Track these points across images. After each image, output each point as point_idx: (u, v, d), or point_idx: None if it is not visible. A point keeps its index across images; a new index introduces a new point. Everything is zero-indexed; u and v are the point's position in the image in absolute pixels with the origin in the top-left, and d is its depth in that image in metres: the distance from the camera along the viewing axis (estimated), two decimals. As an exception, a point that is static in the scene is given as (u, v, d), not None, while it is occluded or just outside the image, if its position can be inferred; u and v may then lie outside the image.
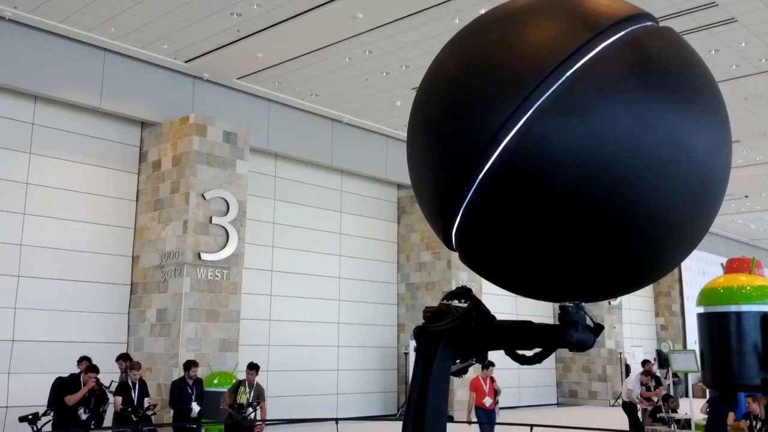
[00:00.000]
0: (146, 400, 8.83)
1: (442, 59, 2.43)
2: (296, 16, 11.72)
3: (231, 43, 12.81)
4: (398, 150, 17.77)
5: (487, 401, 10.82)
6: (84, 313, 12.94)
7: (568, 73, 2.03)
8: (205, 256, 12.95)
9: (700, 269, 28.77)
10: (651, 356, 20.91)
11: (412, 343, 15.78)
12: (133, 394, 8.73)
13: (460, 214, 2.25)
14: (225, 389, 11.04)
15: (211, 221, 13.15)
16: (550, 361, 23.34)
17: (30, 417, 8.65)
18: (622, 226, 2.07)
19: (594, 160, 1.98)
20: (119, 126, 13.87)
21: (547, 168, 2.00)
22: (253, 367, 9.60)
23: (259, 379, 10.63)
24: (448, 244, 2.43)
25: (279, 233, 16.08)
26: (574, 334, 2.35)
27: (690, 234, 2.23)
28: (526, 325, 2.53)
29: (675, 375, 15.60)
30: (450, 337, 2.54)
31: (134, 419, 8.55)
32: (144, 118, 13.84)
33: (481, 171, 2.09)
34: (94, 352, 11.06)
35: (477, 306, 2.57)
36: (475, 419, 10.97)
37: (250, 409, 9.30)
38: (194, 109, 14.00)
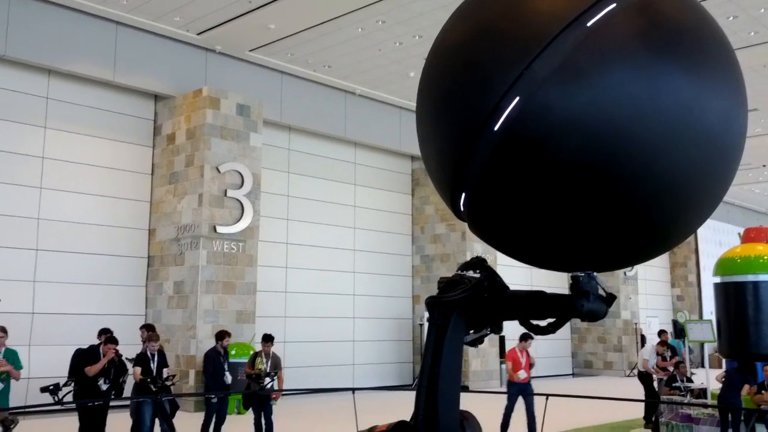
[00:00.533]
0: (165, 370, 8.91)
1: (449, 28, 2.40)
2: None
3: (243, 14, 12.73)
4: (412, 122, 17.58)
5: (522, 374, 10.63)
6: (102, 285, 13.07)
7: (572, 39, 1.98)
8: (220, 229, 13.01)
9: (716, 239, 28.58)
10: (667, 326, 20.89)
11: (427, 315, 15.83)
12: (152, 364, 8.82)
13: (466, 184, 2.23)
14: (242, 360, 11.13)
15: (225, 194, 13.19)
16: (565, 331, 23.38)
17: (51, 387, 8.76)
18: (631, 192, 2.03)
19: (598, 126, 1.94)
20: (133, 99, 13.87)
21: (551, 135, 1.97)
22: (267, 339, 9.68)
23: (276, 350, 10.72)
24: (457, 214, 2.42)
25: (293, 206, 16.11)
26: (585, 304, 2.31)
27: (703, 200, 2.18)
28: (539, 295, 2.51)
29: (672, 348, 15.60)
30: (463, 307, 2.54)
31: (153, 389, 8.64)
32: (157, 91, 13.83)
33: (486, 140, 2.07)
34: (113, 324, 11.16)
35: (490, 276, 2.55)
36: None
37: (268, 379, 9.38)
38: (207, 81, 13.97)
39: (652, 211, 2.07)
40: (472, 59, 2.15)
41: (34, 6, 12.07)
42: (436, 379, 2.48)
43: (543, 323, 2.54)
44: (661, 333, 13.72)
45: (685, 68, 1.99)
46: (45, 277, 12.43)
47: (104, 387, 8.60)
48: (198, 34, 13.55)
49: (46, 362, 11.22)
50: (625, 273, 23.06)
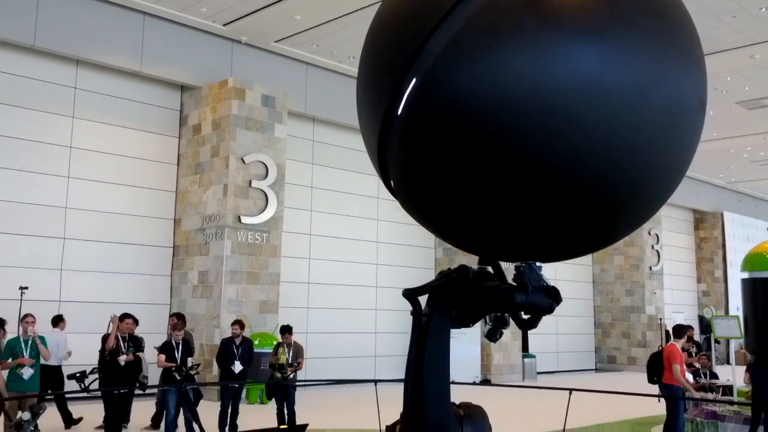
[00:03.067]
0: (189, 359, 8.99)
1: (379, 11, 2.32)
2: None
3: (269, 5, 12.74)
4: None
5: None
6: (128, 274, 13.20)
7: (464, 14, 1.83)
8: (245, 220, 13.07)
9: (744, 234, 28.21)
10: (693, 322, 20.68)
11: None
12: (176, 353, 8.90)
13: (388, 170, 2.16)
14: (265, 350, 11.19)
15: (250, 185, 13.24)
16: (588, 326, 23.24)
17: (78, 375, 8.90)
18: (540, 172, 1.83)
19: (490, 103, 1.78)
20: (159, 90, 13.96)
21: (445, 115, 1.85)
22: (286, 330, 9.72)
23: (298, 340, 10.76)
24: (393, 195, 2.34)
25: (317, 197, 16.14)
26: (518, 296, 2.18)
27: (629, 182, 1.91)
28: (484, 287, 2.39)
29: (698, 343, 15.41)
30: (440, 298, 2.46)
31: (178, 378, 8.72)
32: (184, 81, 13.90)
33: (394, 125, 1.98)
34: (138, 312, 11.26)
35: (460, 268, 2.45)
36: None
37: (290, 369, 9.43)
38: (233, 72, 14.01)
39: (571, 193, 1.87)
40: (380, 42, 2.10)
41: (63, -3, 12.17)
42: (420, 371, 2.42)
43: (525, 316, 2.42)
44: (687, 329, 13.58)
45: (586, 37, 1.77)
46: (72, 265, 12.58)
47: (122, 362, 8.68)
48: (224, 25, 13.59)
49: (73, 350, 11.35)
50: (650, 268, 22.85)
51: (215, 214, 13.13)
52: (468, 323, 2.47)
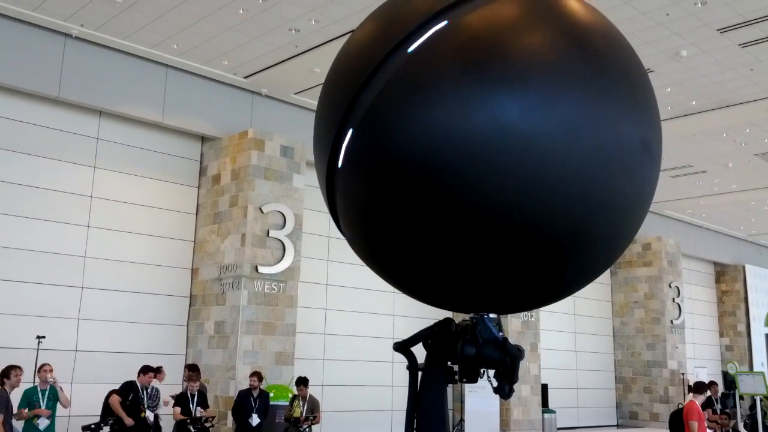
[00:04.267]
0: (198, 409, 8.89)
1: (331, 66, 2.36)
2: (352, 31, 11.76)
3: (289, 58, 12.95)
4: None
5: None
6: (145, 324, 13.17)
7: (393, 66, 1.85)
8: (262, 269, 13.06)
9: (766, 288, 27.78)
10: (716, 378, 20.23)
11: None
12: (191, 405, 8.81)
13: (338, 213, 2.18)
14: (281, 403, 11.05)
15: (268, 234, 13.27)
16: (609, 381, 22.81)
17: (92, 426, 8.82)
18: (462, 220, 1.81)
19: (414, 153, 1.78)
20: (180, 140, 14.13)
21: (376, 164, 1.87)
22: (301, 382, 9.62)
23: (314, 392, 10.64)
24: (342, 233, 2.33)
25: (334, 247, 16.11)
26: (467, 349, 2.13)
27: (561, 226, 1.85)
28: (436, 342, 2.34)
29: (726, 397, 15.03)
30: (435, 352, 2.43)
31: (192, 430, 8.62)
32: (204, 132, 14.08)
33: (337, 175, 2.00)
34: (155, 363, 11.22)
35: (443, 321, 2.40)
36: None
37: (306, 423, 9.30)
38: (252, 123, 14.18)
39: (501, 240, 1.83)
40: (324, 96, 2.13)
41: (88, 49, 12.45)
42: (412, 424, 2.37)
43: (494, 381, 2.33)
44: (711, 385, 13.29)
45: (507, 86, 1.75)
46: (89, 314, 12.58)
47: (150, 419, 8.61)
48: (245, 77, 13.80)
49: (88, 400, 11.27)
50: (671, 321, 22.50)
51: (233, 264, 13.13)
52: (468, 378, 2.37)
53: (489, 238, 1.84)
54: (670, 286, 22.74)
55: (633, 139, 1.88)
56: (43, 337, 10.78)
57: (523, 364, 17.60)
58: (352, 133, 1.91)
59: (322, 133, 2.10)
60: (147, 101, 13.21)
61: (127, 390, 9.17)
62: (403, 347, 2.43)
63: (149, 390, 8.91)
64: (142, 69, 13.08)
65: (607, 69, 1.89)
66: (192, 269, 14.05)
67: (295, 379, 11.77)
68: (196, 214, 14.27)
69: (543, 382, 18.30)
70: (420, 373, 2.41)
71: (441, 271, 1.99)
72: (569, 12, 1.94)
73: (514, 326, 17.64)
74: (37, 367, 9.54)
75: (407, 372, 2.45)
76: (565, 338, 21.30)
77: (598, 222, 1.90)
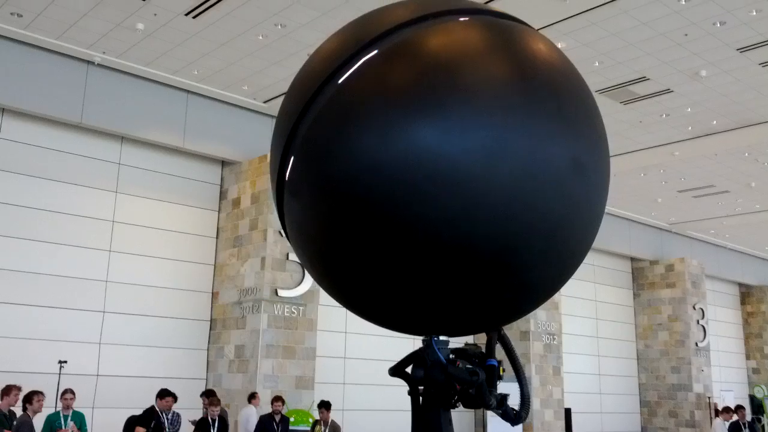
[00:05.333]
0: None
1: None
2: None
3: (308, 82, 13.01)
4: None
5: None
6: (165, 348, 13.18)
7: (325, 97, 1.92)
8: (281, 293, 13.05)
9: (793, 309, 27.31)
10: (743, 401, 19.85)
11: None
12: (212, 430, 8.78)
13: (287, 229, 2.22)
14: (301, 428, 10.98)
15: (287, 258, 13.27)
16: (634, 405, 22.47)
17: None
18: (392, 242, 1.85)
19: (342, 178, 1.85)
20: (201, 165, 14.23)
21: (310, 190, 1.95)
22: (323, 405, 9.55)
23: (335, 417, 10.56)
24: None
25: (355, 270, 16.08)
26: (416, 372, 2.17)
27: (492, 246, 1.87)
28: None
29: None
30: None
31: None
32: (224, 157, 14.18)
33: (283, 198, 2.08)
34: (175, 387, 11.20)
35: (426, 345, 2.38)
36: None
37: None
38: (272, 148, 14.23)
39: (435, 261, 1.86)
40: (276, 121, 2.19)
41: (110, 76, 12.61)
42: None
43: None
44: (738, 409, 13.05)
45: (426, 112, 1.78)
46: (111, 339, 12.62)
47: None
48: (264, 102, 13.91)
49: (109, 424, 11.27)
50: (696, 344, 22.16)
51: (252, 287, 13.14)
52: (472, 405, 2.33)
53: (419, 261, 1.86)
54: (694, 308, 22.43)
55: (559, 158, 1.88)
56: (65, 361, 10.81)
57: (546, 388, 17.39)
58: (293, 160, 1.99)
59: (272, 159, 2.18)
60: (168, 126, 13.34)
61: (149, 417, 9.14)
62: (395, 371, 2.41)
63: (170, 415, 8.88)
64: (163, 95, 13.23)
65: (533, 90, 1.91)
66: (212, 293, 14.07)
67: (315, 403, 11.71)
68: (217, 237, 14.32)
69: (566, 406, 18.05)
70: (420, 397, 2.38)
71: (380, 294, 2.02)
72: (497, 39, 1.99)
73: (536, 349, 17.45)
74: (59, 392, 9.56)
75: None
76: (588, 361, 21.04)
77: (529, 242, 1.90)
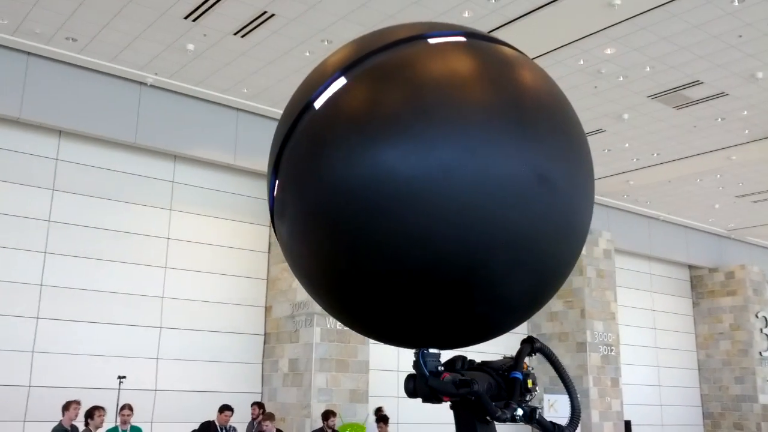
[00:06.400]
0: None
1: None
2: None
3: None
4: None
5: None
6: (221, 363, 13.34)
7: (303, 123, 2.01)
8: (334, 307, 13.07)
9: None
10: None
11: (546, 397, 15.20)
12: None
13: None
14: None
15: (339, 272, 13.30)
16: (696, 417, 21.85)
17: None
18: (364, 261, 1.94)
19: (311, 202, 1.96)
20: (252, 181, 14.41)
21: (288, 212, 2.05)
22: (381, 420, 9.52)
23: (391, 430, 10.52)
24: None
25: (406, 283, 16.06)
26: (407, 384, 2.16)
27: (458, 263, 1.92)
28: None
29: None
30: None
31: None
32: (275, 173, 14.31)
33: (274, 220, 2.19)
34: (231, 401, 11.33)
35: (452, 359, 2.34)
36: None
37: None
38: (322, 162, 14.34)
39: (403, 278, 1.92)
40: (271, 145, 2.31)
41: (162, 96, 12.90)
42: None
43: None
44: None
45: (389, 136, 1.86)
46: (167, 354, 12.82)
47: None
48: (313, 117, 14.03)
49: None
50: (760, 353, 21.47)
51: (305, 301, 13.21)
52: (528, 419, 2.31)
53: (390, 279, 1.94)
54: (756, 316, 21.74)
55: (520, 173, 1.92)
56: (125, 377, 11.03)
57: (605, 400, 17.04)
58: (279, 183, 2.12)
59: (267, 180, 2.32)
60: (219, 144, 13.56)
61: (207, 431, 9.25)
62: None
63: (228, 429, 8.97)
64: (214, 113, 13.46)
65: (493, 107, 1.96)
66: (266, 307, 14.20)
67: (368, 417, 11.70)
68: (269, 252, 14.46)
69: (626, 418, 17.64)
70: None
71: (363, 309, 2.10)
72: (463, 60, 2.05)
73: (593, 361, 17.12)
74: (119, 407, 9.75)
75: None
76: (647, 372, 20.54)
77: (494, 256, 1.94)
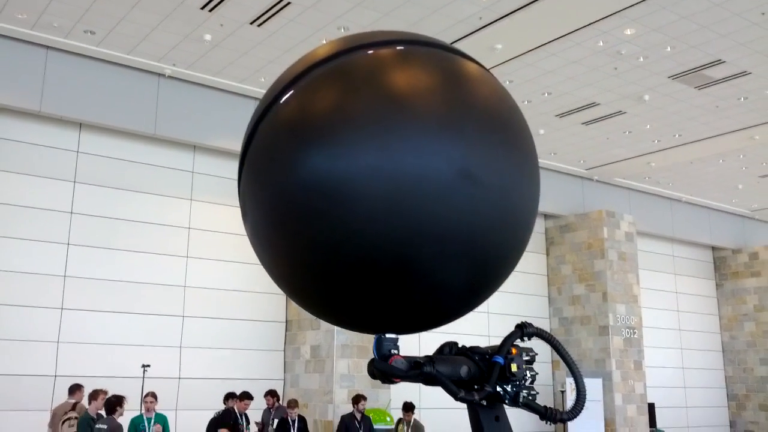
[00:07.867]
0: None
1: None
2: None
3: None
4: (543, 179, 17.31)
5: None
6: (243, 350, 13.44)
7: (260, 129, 2.19)
8: (354, 294, 13.12)
9: None
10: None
11: (569, 381, 15.15)
12: (292, 430, 8.89)
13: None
14: (382, 426, 11.02)
15: (359, 259, 13.34)
16: (721, 398, 21.72)
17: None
18: (335, 254, 2.08)
19: (261, 203, 2.17)
20: (271, 170, 14.44)
21: (245, 209, 2.29)
22: (407, 408, 9.57)
23: (417, 416, 10.56)
24: None
25: (426, 269, 16.06)
26: (373, 365, 2.20)
27: (398, 254, 2.06)
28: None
29: None
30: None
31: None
32: (293, 161, 14.34)
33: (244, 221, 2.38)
34: (253, 388, 11.43)
35: (441, 346, 2.45)
36: None
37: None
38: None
39: (342, 277, 2.10)
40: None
41: (181, 87, 12.94)
42: None
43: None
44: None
45: (318, 142, 2.02)
46: (190, 342, 12.94)
47: None
48: (330, 104, 14.02)
49: (190, 426, 11.58)
50: (785, 334, 21.25)
51: (326, 289, 13.25)
52: (512, 402, 2.36)
53: (331, 273, 2.11)
54: (781, 297, 21.50)
55: (440, 168, 2.03)
56: (149, 365, 11.15)
57: (628, 383, 16.97)
58: (240, 187, 2.36)
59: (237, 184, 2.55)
60: (238, 134, 13.52)
61: (228, 417, 9.33)
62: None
63: (244, 417, 9.05)
64: (232, 103, 13.48)
65: (414, 110, 2.07)
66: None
67: (390, 401, 11.75)
68: (289, 241, 14.50)
69: (650, 401, 17.57)
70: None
71: (317, 299, 2.28)
72: (394, 65, 2.17)
73: (616, 344, 17.04)
74: (143, 395, 9.87)
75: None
76: (671, 355, 20.42)
77: (422, 248, 2.06)
